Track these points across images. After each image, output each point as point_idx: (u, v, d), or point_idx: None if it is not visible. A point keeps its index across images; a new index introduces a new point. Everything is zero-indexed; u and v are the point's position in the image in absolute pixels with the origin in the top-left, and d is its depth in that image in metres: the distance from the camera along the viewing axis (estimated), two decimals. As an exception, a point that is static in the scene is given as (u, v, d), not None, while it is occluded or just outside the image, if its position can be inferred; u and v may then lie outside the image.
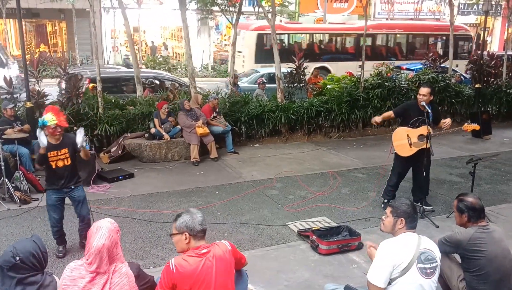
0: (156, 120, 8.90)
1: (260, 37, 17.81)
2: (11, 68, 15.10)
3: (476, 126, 6.31)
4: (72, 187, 5.28)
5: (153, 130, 8.87)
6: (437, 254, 3.24)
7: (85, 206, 5.39)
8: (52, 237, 5.37)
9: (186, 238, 2.99)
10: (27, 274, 2.80)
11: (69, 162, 5.20)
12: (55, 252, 5.32)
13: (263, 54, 17.28)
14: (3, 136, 7.10)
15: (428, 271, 3.15)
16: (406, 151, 6.26)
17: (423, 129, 6.12)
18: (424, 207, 6.28)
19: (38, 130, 5.03)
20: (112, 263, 2.87)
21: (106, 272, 2.84)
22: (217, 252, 3.00)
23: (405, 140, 6.24)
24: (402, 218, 3.28)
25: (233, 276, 3.08)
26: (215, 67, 24.05)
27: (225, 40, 27.36)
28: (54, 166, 5.11)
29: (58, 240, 5.35)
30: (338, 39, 19.80)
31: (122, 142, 8.85)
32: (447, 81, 11.82)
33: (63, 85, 9.20)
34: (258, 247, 5.49)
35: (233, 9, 13.89)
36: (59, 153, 5.13)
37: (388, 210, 3.38)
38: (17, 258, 2.77)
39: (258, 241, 5.63)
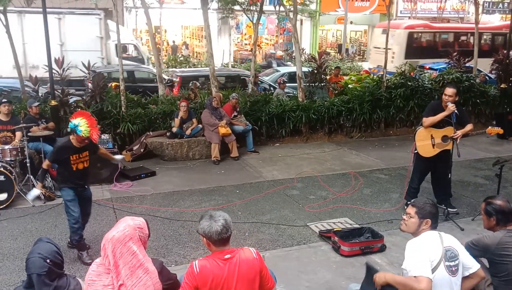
0: (176, 120, 8.94)
1: (410, 35, 19.13)
2: (149, 65, 16.25)
3: (499, 130, 6.25)
4: (86, 186, 5.36)
5: (174, 129, 8.92)
6: (459, 251, 3.20)
7: (90, 205, 5.50)
8: (72, 241, 5.18)
9: (205, 242, 2.96)
10: (58, 280, 2.87)
11: (88, 164, 5.24)
12: (75, 258, 5.20)
13: (412, 50, 18.63)
14: (29, 134, 7.22)
15: (453, 268, 3.12)
16: (429, 152, 6.15)
17: (448, 130, 6.01)
18: (449, 209, 6.15)
19: (31, 194, 5.35)
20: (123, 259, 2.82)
21: (115, 274, 2.80)
22: (241, 258, 2.94)
23: (428, 140, 6.13)
24: (428, 219, 3.22)
25: (257, 285, 2.97)
26: (236, 66, 24.10)
27: (245, 39, 27.40)
28: (74, 169, 5.07)
29: (80, 245, 5.14)
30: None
31: (144, 140, 8.93)
32: (471, 81, 11.60)
33: (89, 84, 9.32)
34: (279, 247, 5.47)
35: (254, 8, 13.88)
36: (81, 156, 5.11)
37: (412, 210, 3.29)
38: (48, 260, 2.83)
39: (279, 241, 5.61)
